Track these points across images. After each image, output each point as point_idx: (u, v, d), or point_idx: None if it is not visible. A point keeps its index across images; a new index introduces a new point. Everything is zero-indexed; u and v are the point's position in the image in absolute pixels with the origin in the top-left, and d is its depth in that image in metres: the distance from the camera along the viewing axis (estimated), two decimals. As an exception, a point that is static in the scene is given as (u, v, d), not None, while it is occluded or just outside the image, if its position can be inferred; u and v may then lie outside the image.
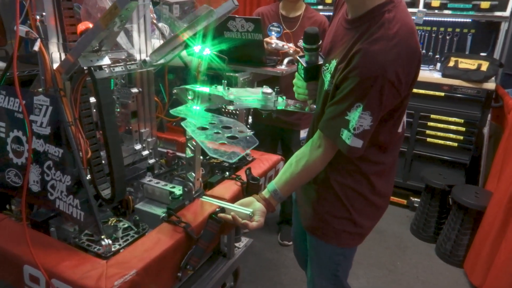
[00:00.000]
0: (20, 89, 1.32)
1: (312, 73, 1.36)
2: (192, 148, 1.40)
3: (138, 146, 1.71)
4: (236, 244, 2.13)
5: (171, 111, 1.33)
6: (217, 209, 1.33)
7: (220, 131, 1.25)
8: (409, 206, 3.43)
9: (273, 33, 2.45)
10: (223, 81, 1.33)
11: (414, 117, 3.22)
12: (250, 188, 1.52)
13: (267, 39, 2.24)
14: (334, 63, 1.21)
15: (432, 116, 3.18)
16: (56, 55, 1.27)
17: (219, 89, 1.34)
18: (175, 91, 1.42)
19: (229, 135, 1.24)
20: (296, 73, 1.44)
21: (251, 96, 1.37)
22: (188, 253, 1.23)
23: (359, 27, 1.15)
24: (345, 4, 1.26)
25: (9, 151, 1.34)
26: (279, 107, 1.37)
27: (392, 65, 1.06)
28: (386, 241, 2.99)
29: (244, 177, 1.61)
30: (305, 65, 1.34)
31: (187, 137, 1.40)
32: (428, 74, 3.27)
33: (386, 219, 3.25)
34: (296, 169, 1.27)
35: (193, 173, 1.43)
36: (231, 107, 1.31)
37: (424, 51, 3.55)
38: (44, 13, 1.21)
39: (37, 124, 1.24)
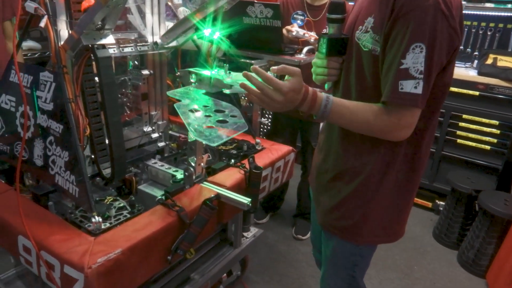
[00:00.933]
0: (31, 65, 1.36)
1: (336, 46, 1.23)
2: None
3: (147, 128, 1.72)
4: (245, 234, 2.12)
5: (167, 93, 1.31)
6: (212, 196, 1.31)
7: (211, 114, 1.22)
8: (434, 209, 3.29)
9: (297, 21, 2.38)
10: (224, 64, 1.31)
11: (444, 116, 3.06)
12: (251, 177, 1.49)
13: (288, 27, 2.19)
14: (370, 19, 1.11)
15: (464, 116, 3.00)
16: (64, 32, 1.28)
17: (221, 73, 1.31)
18: (178, 73, 1.40)
19: (219, 118, 1.21)
20: (316, 52, 1.32)
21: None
22: (180, 237, 1.22)
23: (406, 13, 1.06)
24: None
25: (18, 125, 1.39)
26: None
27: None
28: (405, 243, 2.88)
29: (248, 166, 1.58)
30: (327, 37, 1.24)
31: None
32: (464, 71, 3.09)
33: (408, 221, 3.13)
34: (364, 108, 1.11)
35: (194, 158, 1.41)
36: (227, 91, 1.28)
37: (461, 47, 3.36)
38: (52, -10, 1.23)
39: (42, 100, 1.27)
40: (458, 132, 3.06)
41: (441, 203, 3.19)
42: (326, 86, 1.35)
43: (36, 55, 2.92)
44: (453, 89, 2.97)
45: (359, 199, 1.26)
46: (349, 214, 1.28)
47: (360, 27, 1.15)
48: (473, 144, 3.01)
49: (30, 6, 1.22)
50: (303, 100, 1.09)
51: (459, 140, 3.06)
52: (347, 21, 1.26)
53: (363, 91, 1.18)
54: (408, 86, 1.03)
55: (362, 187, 1.25)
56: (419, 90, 1.03)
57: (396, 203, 1.28)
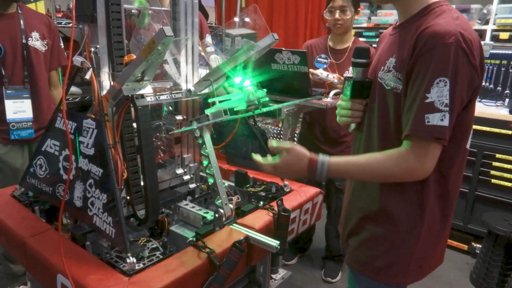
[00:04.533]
0: (75, 112, 1.47)
1: (360, 89, 1.29)
2: (211, 174, 1.45)
3: (180, 171, 1.79)
4: (273, 276, 2.11)
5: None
6: (241, 238, 1.33)
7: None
8: (470, 252, 3.15)
9: (320, 64, 2.47)
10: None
11: (477, 155, 3.00)
12: (280, 219, 1.51)
13: (312, 70, 2.26)
14: (392, 60, 1.17)
15: (498, 155, 2.94)
16: (106, 83, 1.39)
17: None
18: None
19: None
20: (341, 95, 1.37)
21: (234, 96, 1.43)
22: (209, 279, 1.24)
23: (414, 22, 1.14)
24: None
25: (61, 168, 1.48)
26: (262, 99, 1.37)
27: (461, 35, 1.04)
28: (440, 288, 2.76)
29: (277, 208, 1.60)
30: (352, 80, 1.30)
31: (203, 164, 1.51)
32: (495, 110, 3.05)
33: (443, 264, 3.00)
34: (369, 160, 1.17)
35: (220, 199, 1.46)
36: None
37: (492, 85, 3.33)
38: (98, 46, 1.35)
39: (84, 145, 1.36)
40: (492, 172, 2.98)
41: (477, 245, 3.07)
42: (350, 128, 1.39)
43: (77, 99, 3.11)
44: (484, 128, 2.94)
45: (388, 241, 1.25)
46: (378, 254, 1.28)
47: (383, 67, 1.21)
48: (509, 184, 2.92)
49: (77, 60, 1.34)
50: (309, 166, 1.20)
51: (493, 180, 2.98)
52: (371, 65, 1.32)
53: (385, 132, 1.21)
54: (434, 119, 1.05)
55: (392, 229, 1.24)
56: (445, 123, 1.05)
57: (428, 242, 1.26)
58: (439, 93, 1.04)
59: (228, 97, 1.54)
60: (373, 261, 1.29)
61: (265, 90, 1.62)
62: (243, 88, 1.59)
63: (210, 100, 1.57)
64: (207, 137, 1.54)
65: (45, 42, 2.30)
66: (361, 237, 1.32)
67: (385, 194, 1.24)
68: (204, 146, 1.53)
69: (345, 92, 1.33)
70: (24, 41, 2.19)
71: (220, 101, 1.54)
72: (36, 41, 2.25)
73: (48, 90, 2.40)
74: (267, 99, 1.41)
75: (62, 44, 2.46)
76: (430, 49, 1.05)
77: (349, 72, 2.33)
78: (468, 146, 1.24)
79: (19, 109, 2.24)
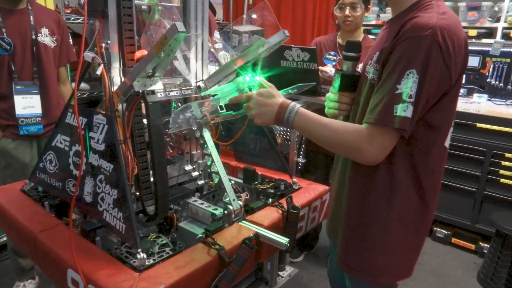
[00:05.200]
0: (86, 108, 1.47)
1: (348, 82, 1.32)
2: (215, 172, 1.47)
3: (188, 167, 1.79)
4: (280, 273, 2.11)
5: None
6: (251, 235, 1.33)
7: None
8: (478, 252, 3.14)
9: (329, 61, 2.45)
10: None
11: (486, 155, 2.98)
12: (289, 216, 1.51)
13: (321, 68, 2.25)
14: (377, 53, 1.18)
15: (507, 155, 2.91)
16: (117, 79, 1.39)
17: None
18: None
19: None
20: (330, 87, 1.41)
21: (225, 87, 1.44)
22: (219, 276, 1.24)
23: (404, 17, 1.14)
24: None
25: (71, 163, 1.49)
26: (253, 89, 1.35)
27: (440, 30, 1.03)
28: (446, 287, 2.74)
29: (286, 205, 1.60)
30: (341, 73, 1.32)
31: (207, 163, 1.52)
32: (505, 109, 3.02)
33: (450, 264, 3.00)
34: (331, 122, 1.19)
35: (227, 196, 1.46)
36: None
37: (501, 84, 3.30)
38: (109, 41, 1.35)
39: (94, 141, 1.37)
40: (501, 171, 2.95)
41: (485, 245, 3.05)
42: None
43: (85, 95, 3.13)
44: (494, 127, 2.91)
45: (366, 240, 1.27)
46: (361, 254, 1.29)
47: (370, 61, 1.23)
48: (518, 183, 2.90)
49: (88, 56, 1.34)
50: (281, 105, 1.24)
51: (502, 180, 2.96)
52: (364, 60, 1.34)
53: None
54: (397, 110, 1.06)
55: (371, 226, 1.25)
56: (408, 114, 1.05)
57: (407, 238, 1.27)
58: (406, 84, 1.05)
59: (219, 89, 1.54)
60: (356, 261, 1.30)
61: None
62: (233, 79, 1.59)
63: (203, 93, 1.59)
64: (207, 136, 1.55)
65: (54, 38, 2.31)
66: (345, 236, 1.33)
67: (362, 196, 1.25)
68: (206, 145, 1.53)
69: (334, 85, 1.36)
70: (33, 37, 2.19)
71: (213, 95, 1.55)
72: (45, 37, 2.26)
73: (57, 86, 2.41)
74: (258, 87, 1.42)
75: (71, 40, 2.47)
76: (405, 39, 1.06)
77: (358, 69, 2.32)
78: (447, 144, 1.24)
79: (28, 104, 2.25)
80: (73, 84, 2.44)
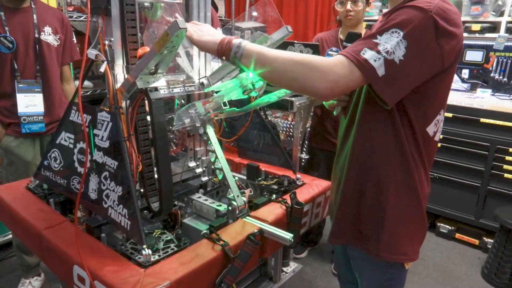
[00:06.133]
0: (90, 105, 1.48)
1: None
2: (219, 168, 1.48)
3: (192, 164, 1.79)
4: (284, 269, 2.11)
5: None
6: (255, 231, 1.34)
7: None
8: (482, 247, 3.13)
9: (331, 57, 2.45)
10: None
11: (489, 150, 2.97)
12: (293, 212, 1.51)
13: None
14: None
15: (511, 150, 2.90)
16: (120, 76, 1.40)
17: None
18: None
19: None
20: None
21: (228, 84, 1.44)
22: (224, 272, 1.25)
23: (400, 9, 1.13)
24: None
25: (75, 160, 1.49)
26: (257, 85, 1.35)
27: (440, 9, 1.03)
28: (450, 282, 2.75)
29: (290, 201, 1.60)
30: None
31: (211, 160, 1.52)
32: (508, 104, 3.00)
33: (454, 259, 3.00)
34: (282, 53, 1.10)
35: (231, 192, 1.46)
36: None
37: (505, 79, 3.28)
38: (112, 39, 1.35)
39: (98, 138, 1.37)
40: (505, 166, 2.94)
41: (489, 240, 3.05)
42: (335, 112, 1.42)
43: (88, 93, 3.13)
44: (498, 122, 2.90)
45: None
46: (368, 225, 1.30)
47: None
48: (522, 178, 2.89)
49: (92, 53, 1.34)
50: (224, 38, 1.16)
51: (506, 175, 2.95)
52: None
53: (367, 114, 1.22)
54: (368, 55, 1.03)
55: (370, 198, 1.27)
56: (376, 65, 1.02)
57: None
58: (387, 39, 1.03)
59: (222, 86, 1.54)
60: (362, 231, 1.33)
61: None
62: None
63: (206, 90, 1.60)
64: (211, 133, 1.55)
65: (58, 37, 2.31)
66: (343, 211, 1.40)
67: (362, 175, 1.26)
68: (209, 142, 1.53)
69: None
70: (36, 35, 2.20)
71: (216, 92, 1.55)
72: (48, 36, 2.26)
73: (60, 85, 2.41)
74: (261, 83, 1.40)
75: (74, 38, 2.47)
76: (402, 7, 1.06)
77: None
78: (437, 138, 1.23)
79: (31, 103, 2.25)
80: (77, 82, 2.44)
